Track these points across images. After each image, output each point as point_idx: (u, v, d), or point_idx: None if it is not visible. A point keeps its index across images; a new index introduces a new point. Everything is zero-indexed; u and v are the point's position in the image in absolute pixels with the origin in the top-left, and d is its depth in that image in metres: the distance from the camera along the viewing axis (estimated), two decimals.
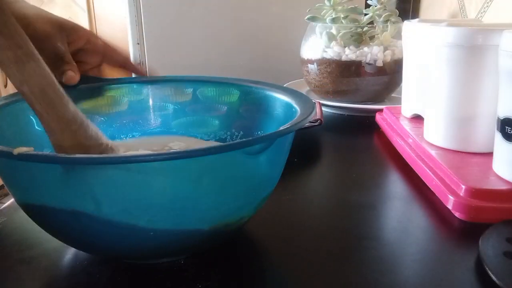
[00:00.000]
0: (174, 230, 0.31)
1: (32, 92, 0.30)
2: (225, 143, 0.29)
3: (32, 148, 0.27)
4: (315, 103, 0.40)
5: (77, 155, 0.28)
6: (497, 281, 0.30)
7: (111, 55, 0.48)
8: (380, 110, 0.70)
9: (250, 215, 0.35)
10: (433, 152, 0.50)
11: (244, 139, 0.30)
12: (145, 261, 0.35)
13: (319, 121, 0.61)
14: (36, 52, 0.30)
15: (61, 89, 0.31)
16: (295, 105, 0.39)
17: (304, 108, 0.38)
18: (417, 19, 0.65)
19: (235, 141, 0.30)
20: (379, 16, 0.77)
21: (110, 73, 0.50)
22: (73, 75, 0.42)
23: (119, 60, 0.49)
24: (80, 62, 0.46)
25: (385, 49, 0.75)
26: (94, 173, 0.28)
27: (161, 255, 0.35)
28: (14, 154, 0.26)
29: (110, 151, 0.36)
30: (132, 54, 1.00)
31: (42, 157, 0.27)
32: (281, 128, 0.32)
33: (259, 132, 0.44)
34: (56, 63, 0.43)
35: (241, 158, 0.30)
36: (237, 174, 0.31)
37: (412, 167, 0.52)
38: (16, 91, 0.40)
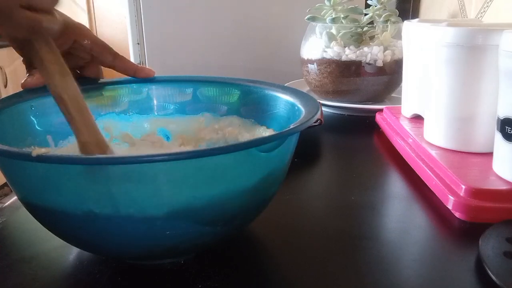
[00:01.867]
0: (190, 229, 0.31)
1: (69, 99, 0.36)
2: (241, 141, 0.29)
3: (49, 150, 0.27)
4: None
5: (99, 156, 0.28)
6: (497, 281, 0.30)
7: (98, 54, 0.47)
8: (380, 110, 0.70)
9: (259, 213, 0.36)
10: (433, 152, 0.50)
11: (259, 137, 0.30)
12: (149, 261, 0.35)
13: (319, 121, 0.61)
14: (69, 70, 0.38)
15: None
16: (298, 104, 0.39)
17: (308, 106, 0.38)
18: (417, 19, 0.65)
19: (251, 139, 0.30)
20: (379, 16, 0.77)
21: (110, 73, 0.50)
22: (29, 81, 0.43)
23: (107, 59, 0.48)
24: (72, 56, 0.46)
25: (385, 49, 0.75)
26: (115, 173, 0.28)
27: (170, 255, 0.35)
28: (33, 156, 0.26)
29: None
30: (132, 54, 1.00)
31: (62, 159, 0.27)
32: (292, 126, 0.33)
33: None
34: (28, 65, 0.44)
35: (255, 155, 0.31)
36: (250, 171, 0.32)
37: (412, 167, 0.52)
38: (16, 92, 0.40)
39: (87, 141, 0.36)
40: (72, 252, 0.36)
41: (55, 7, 0.36)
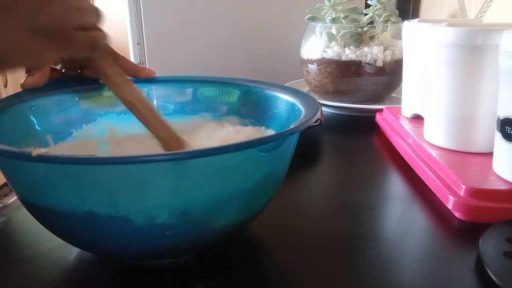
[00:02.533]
0: (190, 229, 0.31)
1: (139, 104, 0.40)
2: (241, 141, 0.29)
3: (49, 150, 0.27)
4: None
5: (99, 156, 0.28)
6: (497, 281, 0.30)
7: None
8: (380, 110, 0.70)
9: (259, 213, 0.36)
10: (433, 152, 0.50)
11: (259, 137, 0.30)
12: (149, 261, 0.35)
13: (319, 121, 0.61)
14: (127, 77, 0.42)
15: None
16: (298, 104, 0.39)
17: (308, 106, 0.38)
18: (417, 19, 0.65)
19: (251, 139, 0.30)
20: (379, 16, 0.77)
21: None
22: (28, 81, 0.43)
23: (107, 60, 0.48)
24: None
25: (385, 49, 0.75)
26: (115, 173, 0.28)
27: (170, 255, 0.35)
28: (33, 156, 0.26)
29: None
30: (132, 54, 1.00)
31: (62, 159, 0.27)
32: (292, 126, 0.33)
33: None
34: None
35: (255, 155, 0.31)
36: (250, 171, 0.32)
37: (412, 167, 0.52)
38: (16, 92, 0.40)
39: (165, 136, 0.40)
40: (72, 252, 0.36)
41: (101, 23, 0.39)
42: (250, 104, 0.46)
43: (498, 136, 0.43)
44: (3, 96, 0.45)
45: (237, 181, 0.31)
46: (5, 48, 0.33)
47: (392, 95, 0.82)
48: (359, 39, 0.76)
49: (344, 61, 0.75)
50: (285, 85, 0.50)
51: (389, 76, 0.77)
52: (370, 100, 0.78)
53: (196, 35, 0.99)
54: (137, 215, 0.29)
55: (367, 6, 0.79)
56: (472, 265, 0.34)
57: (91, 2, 0.39)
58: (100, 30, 0.38)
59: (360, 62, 0.75)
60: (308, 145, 0.62)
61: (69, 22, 0.35)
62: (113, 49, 0.48)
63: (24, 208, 0.33)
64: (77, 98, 0.44)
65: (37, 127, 0.41)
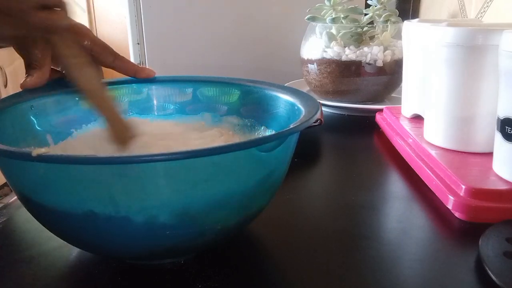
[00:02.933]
0: (190, 229, 0.31)
1: (91, 90, 0.39)
2: (241, 141, 0.29)
3: (49, 149, 0.27)
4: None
5: (98, 156, 0.28)
6: (497, 281, 0.30)
7: (99, 54, 0.47)
8: (380, 110, 0.70)
9: (259, 213, 0.36)
10: (433, 152, 0.50)
11: (259, 137, 0.30)
12: (149, 261, 0.35)
13: (319, 121, 0.61)
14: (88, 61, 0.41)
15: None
16: (298, 104, 0.39)
17: (308, 106, 0.38)
18: (417, 19, 0.65)
19: (251, 139, 0.30)
20: (379, 16, 0.77)
21: (110, 73, 0.50)
22: (28, 81, 0.43)
23: (107, 60, 0.48)
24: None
25: (385, 49, 0.75)
26: (115, 172, 0.28)
27: (170, 255, 0.35)
28: (33, 156, 0.26)
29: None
30: (132, 54, 1.00)
31: (62, 159, 0.27)
32: (292, 125, 0.33)
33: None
34: (28, 66, 0.43)
35: (255, 155, 0.31)
36: (250, 171, 0.32)
37: (412, 167, 0.52)
38: (16, 92, 0.40)
39: (116, 128, 0.39)
40: (72, 252, 0.36)
41: (64, 1, 0.38)
42: (250, 104, 0.46)
43: (498, 136, 0.43)
44: (3, 96, 0.45)
45: (237, 181, 0.31)
46: None
47: (392, 95, 0.82)
48: (359, 39, 0.76)
49: (344, 61, 0.75)
50: (285, 85, 0.50)
51: (389, 76, 0.77)
52: (370, 100, 0.78)
53: (196, 35, 0.99)
54: (137, 215, 0.29)
55: (367, 6, 0.79)
56: (472, 265, 0.34)
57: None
58: (62, 10, 0.38)
59: (360, 62, 0.75)
60: (308, 145, 0.62)
61: (26, 1, 0.34)
62: (112, 49, 0.48)
63: (24, 208, 0.33)
64: (77, 98, 0.44)
65: (37, 127, 0.41)
